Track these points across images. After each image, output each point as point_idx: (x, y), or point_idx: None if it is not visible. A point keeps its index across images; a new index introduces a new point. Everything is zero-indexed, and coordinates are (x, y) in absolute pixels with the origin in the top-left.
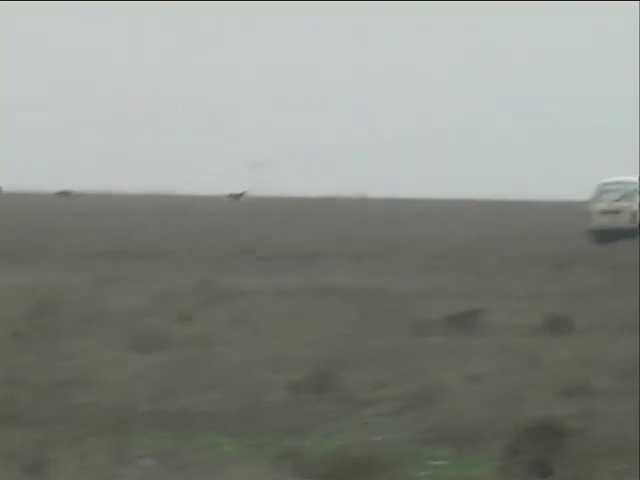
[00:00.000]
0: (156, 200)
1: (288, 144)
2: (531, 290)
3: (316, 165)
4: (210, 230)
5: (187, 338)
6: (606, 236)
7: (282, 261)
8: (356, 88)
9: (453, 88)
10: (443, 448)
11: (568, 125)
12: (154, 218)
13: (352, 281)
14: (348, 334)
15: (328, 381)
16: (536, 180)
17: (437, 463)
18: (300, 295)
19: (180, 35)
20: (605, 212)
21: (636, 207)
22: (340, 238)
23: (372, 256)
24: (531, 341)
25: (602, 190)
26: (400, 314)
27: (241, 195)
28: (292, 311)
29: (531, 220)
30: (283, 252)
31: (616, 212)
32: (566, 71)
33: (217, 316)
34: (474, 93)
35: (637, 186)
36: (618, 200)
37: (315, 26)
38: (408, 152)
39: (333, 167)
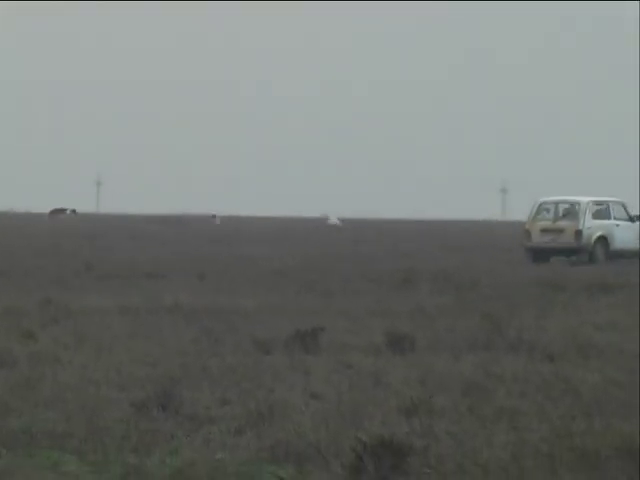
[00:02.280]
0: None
1: (132, 159)
2: (373, 308)
3: (162, 182)
4: (48, 248)
5: (29, 356)
6: (544, 254)
7: (123, 279)
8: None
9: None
10: (285, 467)
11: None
12: None
13: (195, 300)
14: (191, 353)
15: (171, 399)
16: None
17: None
18: (142, 314)
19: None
20: (546, 230)
21: (580, 226)
22: (183, 256)
23: (215, 274)
24: (373, 359)
25: (542, 208)
26: (242, 333)
27: (66, 211)
28: (135, 330)
29: (374, 238)
30: (124, 270)
31: (559, 231)
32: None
33: (59, 334)
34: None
35: (582, 205)
36: (560, 219)
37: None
38: (251, 171)
39: (181, 184)
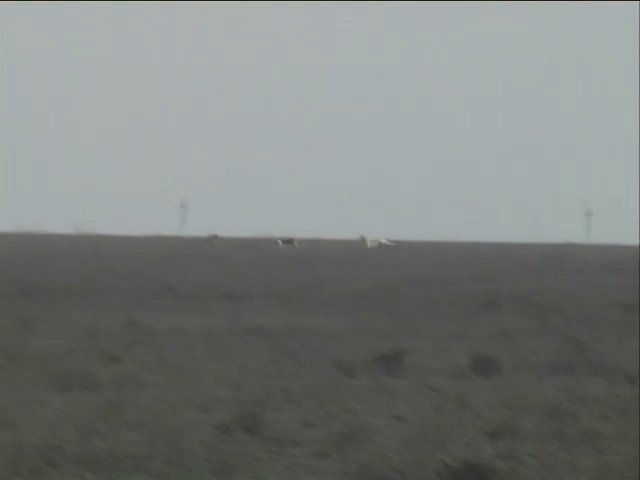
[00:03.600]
0: (75, 240)
1: (216, 185)
2: (455, 331)
3: (239, 206)
4: (133, 270)
5: (113, 378)
6: None
7: (205, 301)
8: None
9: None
10: None
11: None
12: (77, 258)
13: (276, 321)
14: (273, 375)
15: (254, 421)
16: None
17: None
18: (224, 335)
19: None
20: None
21: None
22: (263, 278)
23: (295, 296)
24: (457, 382)
25: None
26: (324, 355)
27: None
28: (217, 351)
29: (448, 261)
30: (206, 292)
31: None
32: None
33: (143, 356)
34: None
35: None
36: None
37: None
38: (312, 194)
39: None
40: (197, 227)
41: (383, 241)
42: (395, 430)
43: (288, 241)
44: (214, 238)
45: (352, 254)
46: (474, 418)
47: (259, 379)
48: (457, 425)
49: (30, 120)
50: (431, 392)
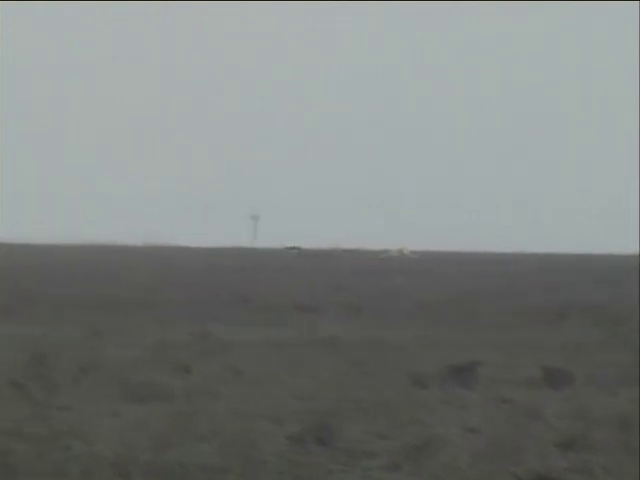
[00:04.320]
0: (146, 252)
1: (284, 196)
2: (527, 342)
3: (314, 215)
4: (206, 281)
5: (185, 389)
6: None
7: (278, 312)
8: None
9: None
10: None
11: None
12: (146, 269)
13: (349, 332)
14: (346, 386)
15: (327, 433)
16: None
17: None
18: (298, 347)
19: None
20: None
21: None
22: (335, 290)
23: (367, 308)
24: (529, 393)
25: None
26: (397, 366)
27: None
28: (290, 363)
29: (517, 272)
30: (279, 303)
31: None
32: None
33: (215, 367)
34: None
35: None
36: None
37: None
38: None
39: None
40: (269, 238)
41: (405, 252)
42: (467, 441)
43: (399, 251)
44: (295, 249)
45: (420, 265)
46: (546, 430)
47: (332, 390)
48: (529, 437)
49: (104, 126)
50: (503, 404)
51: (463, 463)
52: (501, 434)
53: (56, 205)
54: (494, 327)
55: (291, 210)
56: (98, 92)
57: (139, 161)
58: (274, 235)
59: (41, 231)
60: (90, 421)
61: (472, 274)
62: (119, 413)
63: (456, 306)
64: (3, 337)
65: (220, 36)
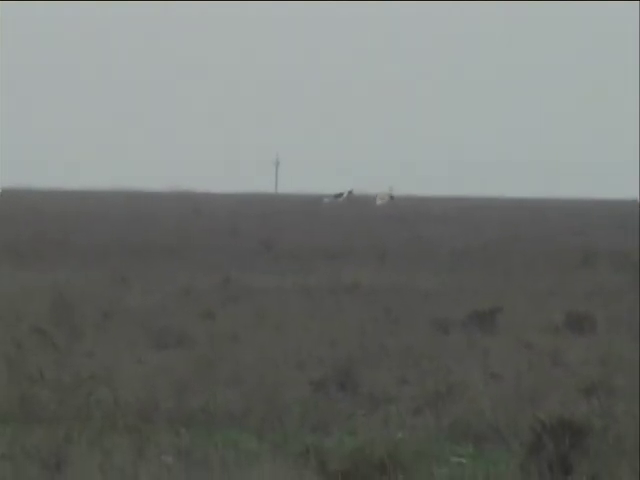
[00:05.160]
0: (173, 198)
1: (308, 139)
2: (552, 288)
3: (333, 162)
4: (228, 228)
5: (208, 335)
6: None
7: (303, 259)
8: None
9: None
10: (464, 445)
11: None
12: (172, 216)
13: (374, 279)
14: (369, 332)
15: (350, 378)
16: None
17: (458, 460)
18: (321, 293)
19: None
20: None
21: None
22: (362, 236)
23: (394, 254)
24: (552, 339)
25: None
26: (422, 312)
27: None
28: (314, 309)
29: (547, 217)
30: (303, 250)
31: None
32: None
33: (238, 314)
34: (466, 97)
35: None
36: None
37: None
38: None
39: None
40: (291, 185)
41: (394, 195)
42: (490, 387)
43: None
44: (349, 194)
45: (450, 212)
46: (569, 375)
47: (356, 336)
48: (552, 382)
49: (123, 70)
50: (526, 349)
51: (485, 408)
52: (523, 379)
53: (84, 153)
54: (518, 273)
55: (312, 157)
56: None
57: (165, 110)
58: (295, 182)
59: (69, 178)
60: (113, 367)
61: (497, 220)
62: (143, 359)
63: (480, 252)
64: (27, 283)
65: None
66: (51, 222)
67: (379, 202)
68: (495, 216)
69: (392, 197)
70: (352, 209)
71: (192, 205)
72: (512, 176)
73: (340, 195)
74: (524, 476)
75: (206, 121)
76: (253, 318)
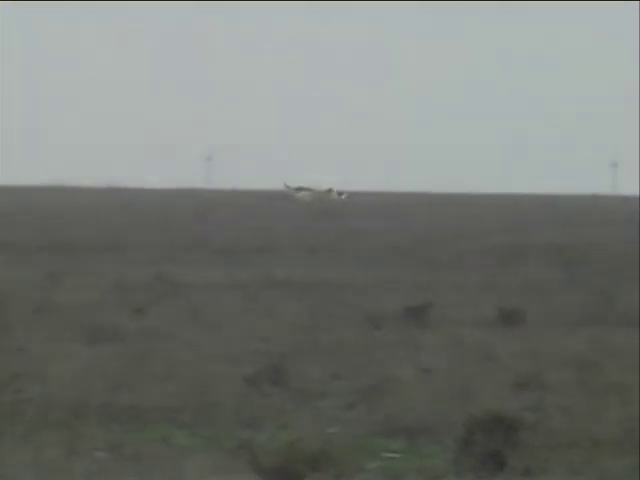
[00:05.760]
0: (105, 194)
1: (236, 137)
2: (484, 282)
3: (266, 158)
4: (160, 224)
5: (140, 331)
6: None
7: (235, 254)
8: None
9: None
10: (397, 440)
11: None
12: (104, 212)
13: (306, 274)
14: (302, 327)
15: (282, 374)
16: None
17: (390, 455)
18: (254, 288)
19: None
20: None
21: None
22: (294, 231)
23: (326, 249)
24: (484, 334)
25: None
26: (354, 307)
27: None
28: (246, 304)
29: (474, 213)
30: (236, 245)
31: None
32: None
33: (170, 309)
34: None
35: None
36: None
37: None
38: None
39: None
40: (223, 180)
41: (335, 192)
42: (422, 382)
43: (340, 193)
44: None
45: (382, 207)
46: (500, 370)
47: (289, 332)
48: (484, 377)
49: (49, 72)
50: (458, 344)
51: (418, 403)
52: (455, 374)
53: (16, 148)
54: (451, 268)
55: (245, 152)
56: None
57: (97, 104)
58: (227, 177)
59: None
60: (45, 363)
61: (430, 216)
62: (74, 355)
63: (413, 248)
64: None
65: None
66: None
67: (302, 198)
68: (429, 212)
69: (340, 193)
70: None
71: (124, 201)
72: (462, 172)
73: (301, 189)
74: (457, 470)
75: (138, 117)
76: (186, 313)
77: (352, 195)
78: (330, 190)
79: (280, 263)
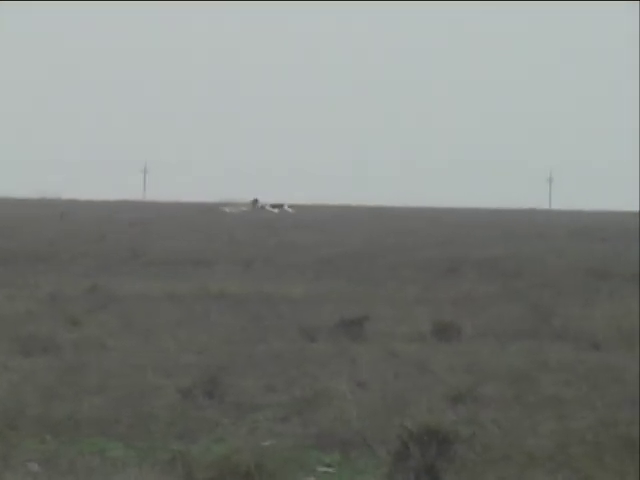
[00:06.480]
0: (39, 205)
1: (173, 150)
2: (419, 296)
3: (200, 171)
4: (95, 235)
5: (75, 342)
6: None
7: (171, 266)
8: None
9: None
10: (331, 454)
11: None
12: (37, 222)
13: (241, 287)
14: (237, 340)
15: (217, 386)
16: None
17: (325, 469)
18: (189, 301)
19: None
20: None
21: None
22: (228, 244)
23: (261, 262)
24: (419, 347)
25: None
26: (289, 320)
27: (282, 206)
28: (181, 317)
29: (413, 228)
30: (171, 257)
31: None
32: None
33: (106, 321)
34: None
35: None
36: None
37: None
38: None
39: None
40: (159, 192)
41: (268, 205)
42: (357, 395)
43: (278, 206)
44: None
45: (326, 221)
46: (436, 383)
47: (223, 344)
48: (418, 390)
49: None
50: (393, 357)
51: (352, 416)
52: (390, 388)
53: None
54: (385, 282)
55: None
56: None
57: (33, 113)
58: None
59: None
60: None
61: (370, 229)
62: (8, 366)
63: (347, 260)
64: None
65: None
66: None
67: (229, 210)
68: (371, 225)
69: (281, 206)
70: (229, 217)
71: (58, 211)
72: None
73: (279, 206)
74: None
75: (74, 128)
76: (120, 325)
77: (297, 208)
78: (256, 201)
79: (215, 275)
